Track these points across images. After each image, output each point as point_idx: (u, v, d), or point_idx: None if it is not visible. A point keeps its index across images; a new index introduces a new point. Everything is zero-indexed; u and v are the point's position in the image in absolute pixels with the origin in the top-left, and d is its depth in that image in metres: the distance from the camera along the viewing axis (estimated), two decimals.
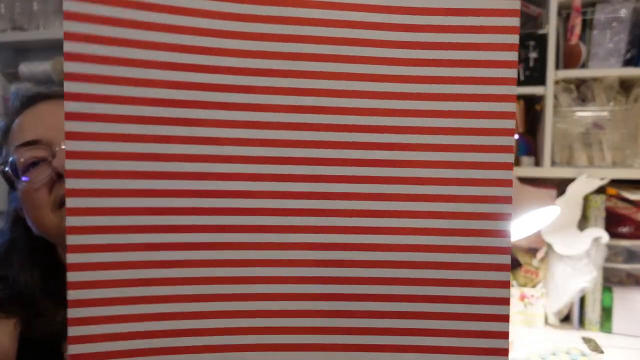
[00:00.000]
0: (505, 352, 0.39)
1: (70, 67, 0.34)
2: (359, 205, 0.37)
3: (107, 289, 0.35)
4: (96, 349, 0.35)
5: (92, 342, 0.35)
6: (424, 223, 0.38)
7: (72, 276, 0.35)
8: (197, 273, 0.36)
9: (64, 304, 0.73)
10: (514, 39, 0.38)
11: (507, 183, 0.38)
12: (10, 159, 0.64)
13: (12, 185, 0.68)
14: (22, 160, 0.64)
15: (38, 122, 0.66)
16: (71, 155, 0.34)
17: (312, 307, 0.38)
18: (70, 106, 0.34)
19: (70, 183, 0.34)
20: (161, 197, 0.35)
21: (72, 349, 0.35)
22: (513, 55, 0.38)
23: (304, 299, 0.37)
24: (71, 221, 0.35)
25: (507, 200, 0.38)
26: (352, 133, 0.37)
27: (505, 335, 0.39)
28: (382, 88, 0.37)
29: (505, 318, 0.39)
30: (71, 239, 0.35)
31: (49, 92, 0.69)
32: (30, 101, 0.69)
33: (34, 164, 0.64)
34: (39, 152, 0.64)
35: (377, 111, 0.37)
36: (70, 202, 0.34)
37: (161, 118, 0.35)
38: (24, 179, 0.64)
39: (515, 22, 0.38)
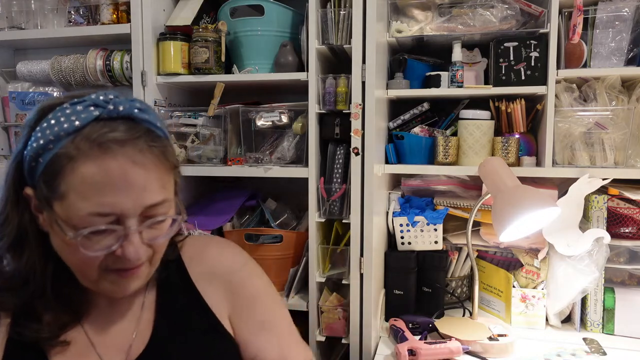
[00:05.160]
0: None
1: None
2: None
3: None
4: None
5: None
6: None
7: None
8: None
9: (65, 309, 0.71)
10: None
11: None
12: (85, 231, 0.61)
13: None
14: (91, 226, 0.61)
15: (116, 189, 0.61)
16: None
17: None
18: None
19: None
20: None
21: None
22: None
23: None
24: None
25: None
26: None
27: None
28: None
29: None
30: None
31: (121, 136, 0.62)
32: (102, 147, 0.61)
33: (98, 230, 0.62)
34: (110, 226, 0.61)
35: None
36: None
37: None
38: (91, 252, 0.62)
39: None
